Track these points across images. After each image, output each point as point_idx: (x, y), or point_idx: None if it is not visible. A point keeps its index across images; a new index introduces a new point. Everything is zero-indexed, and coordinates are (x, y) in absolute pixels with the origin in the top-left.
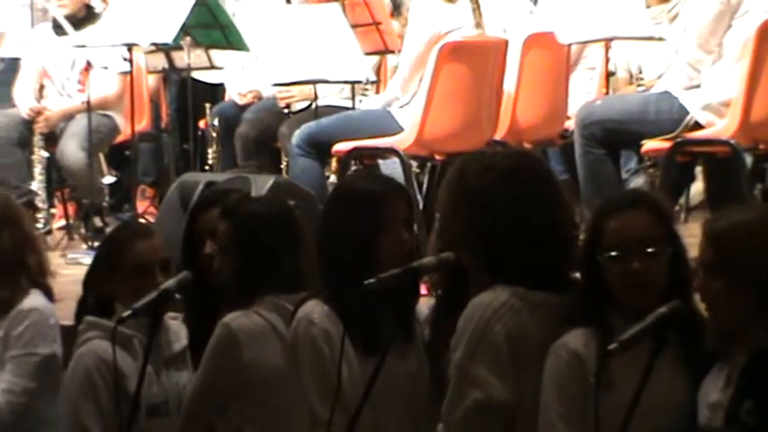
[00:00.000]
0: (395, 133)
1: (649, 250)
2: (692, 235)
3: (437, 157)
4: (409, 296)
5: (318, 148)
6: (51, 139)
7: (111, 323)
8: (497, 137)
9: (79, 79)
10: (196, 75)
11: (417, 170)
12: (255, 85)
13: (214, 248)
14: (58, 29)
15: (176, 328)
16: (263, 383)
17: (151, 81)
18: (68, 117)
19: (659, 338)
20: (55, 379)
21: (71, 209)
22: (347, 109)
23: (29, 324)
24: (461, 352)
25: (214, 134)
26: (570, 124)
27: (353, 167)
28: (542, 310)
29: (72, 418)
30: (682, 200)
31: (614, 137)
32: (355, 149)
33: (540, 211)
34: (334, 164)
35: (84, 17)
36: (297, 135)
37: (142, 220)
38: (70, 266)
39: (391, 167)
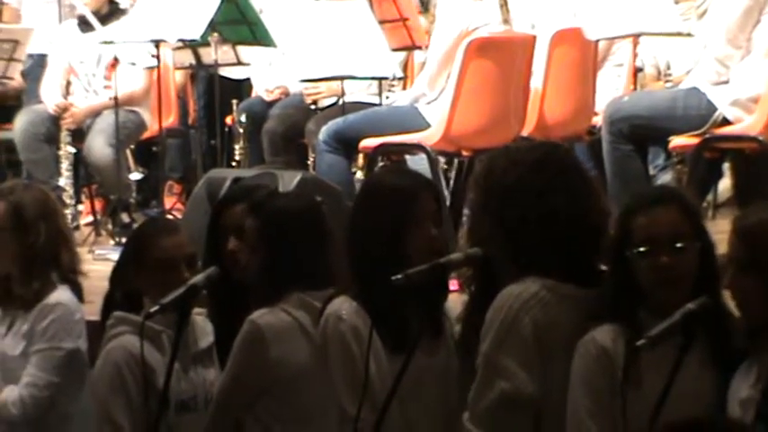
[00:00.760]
0: (422, 129)
1: (678, 245)
2: (719, 231)
3: (464, 153)
4: (438, 292)
5: (345, 145)
6: (78, 135)
7: (139, 318)
8: (524, 133)
9: (105, 75)
10: (223, 71)
11: (445, 166)
12: (282, 82)
13: (237, 245)
14: (84, 25)
15: (202, 324)
16: (291, 381)
17: (178, 77)
18: (95, 113)
19: (688, 334)
20: (79, 374)
21: (98, 205)
22: (374, 105)
23: (54, 318)
24: (489, 342)
25: (241, 130)
26: (598, 120)
27: (380, 164)
28: (571, 304)
29: (101, 413)
30: (709, 196)
31: (642, 133)
32: (382, 146)
33: (569, 202)
34: (360, 160)
35: (108, 13)
36: (324, 131)
37: (169, 216)
38: (97, 262)
39: (418, 164)
